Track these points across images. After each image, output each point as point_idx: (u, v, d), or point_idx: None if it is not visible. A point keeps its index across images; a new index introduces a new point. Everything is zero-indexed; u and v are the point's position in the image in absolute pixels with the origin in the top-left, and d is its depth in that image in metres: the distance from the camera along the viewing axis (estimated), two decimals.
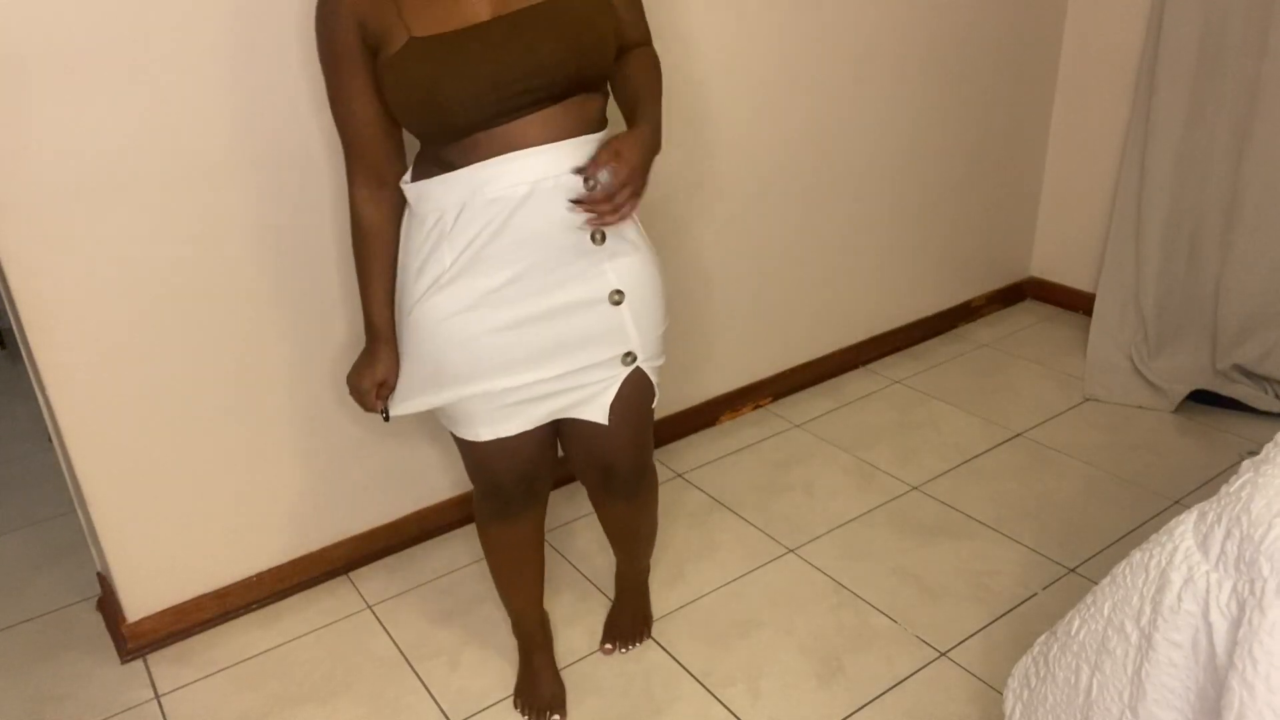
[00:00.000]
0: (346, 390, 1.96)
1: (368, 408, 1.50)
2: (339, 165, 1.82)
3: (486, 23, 1.26)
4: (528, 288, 1.38)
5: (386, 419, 1.52)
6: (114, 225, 1.65)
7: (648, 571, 1.93)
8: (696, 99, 2.24)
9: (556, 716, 1.71)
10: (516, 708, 1.74)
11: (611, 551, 1.93)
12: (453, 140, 1.32)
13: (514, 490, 1.56)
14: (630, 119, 1.40)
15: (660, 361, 1.54)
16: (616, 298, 1.42)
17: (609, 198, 1.31)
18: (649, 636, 1.91)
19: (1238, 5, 2.41)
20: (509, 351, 1.40)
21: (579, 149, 1.34)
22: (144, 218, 1.67)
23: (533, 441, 1.52)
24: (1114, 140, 2.91)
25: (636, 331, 1.46)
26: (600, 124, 1.40)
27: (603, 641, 1.89)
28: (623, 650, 1.87)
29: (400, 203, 1.43)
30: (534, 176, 1.32)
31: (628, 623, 1.89)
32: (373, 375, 1.47)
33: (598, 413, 1.49)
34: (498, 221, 1.34)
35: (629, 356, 1.47)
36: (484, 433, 1.48)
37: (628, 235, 1.44)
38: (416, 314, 1.40)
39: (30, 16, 1.48)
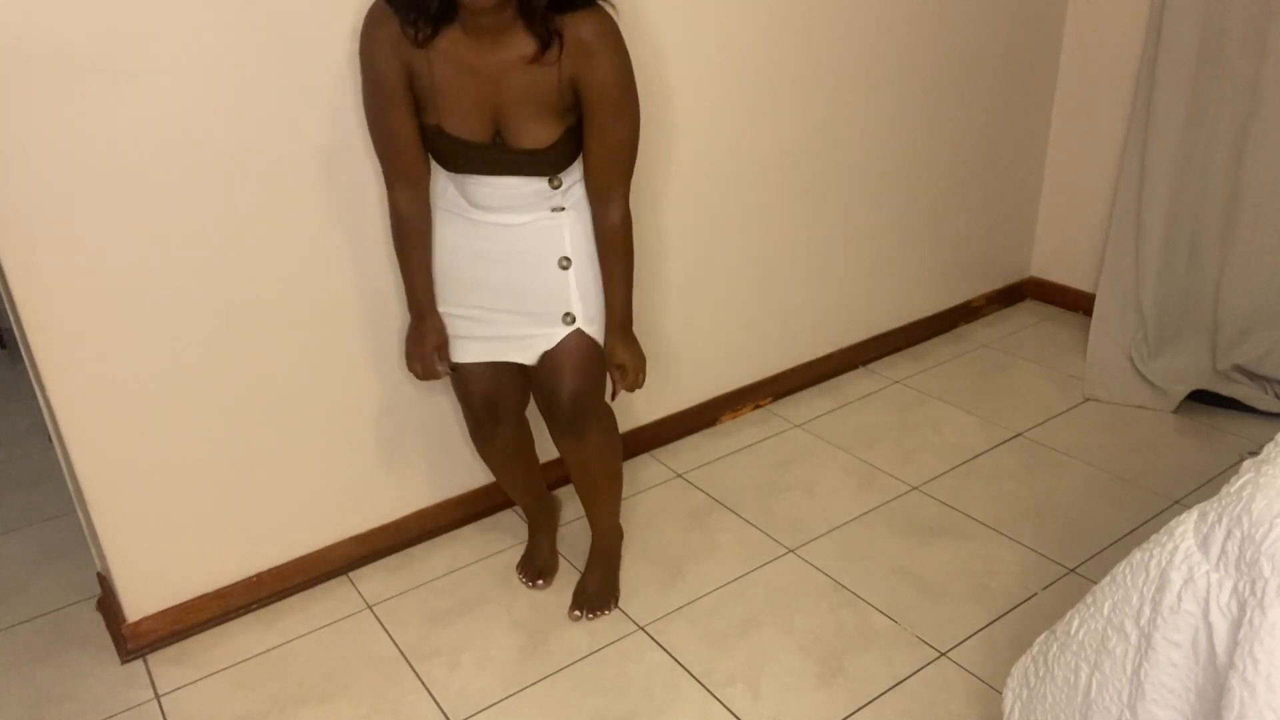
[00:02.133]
0: (352, 388, 1.98)
1: (429, 375, 1.74)
2: (339, 165, 1.82)
3: (489, 145, 1.57)
4: (492, 246, 1.65)
5: (454, 369, 1.77)
6: (114, 225, 1.65)
7: (619, 536, 2.05)
8: (698, 99, 2.24)
9: (542, 582, 2.01)
10: (518, 572, 2.04)
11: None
12: None
13: (481, 413, 1.80)
14: (608, 297, 1.69)
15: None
16: (565, 263, 1.62)
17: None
18: (616, 606, 1.96)
19: (1238, 5, 2.41)
20: (463, 282, 1.68)
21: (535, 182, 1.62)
22: (143, 218, 1.67)
23: (491, 377, 1.76)
24: (1114, 140, 2.91)
25: (579, 295, 1.66)
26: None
27: (571, 608, 1.95)
28: (589, 618, 1.93)
29: (428, 196, 1.69)
30: (507, 192, 1.62)
31: (595, 590, 1.96)
32: (431, 343, 1.73)
33: (530, 359, 1.71)
34: (477, 205, 1.64)
35: (569, 317, 1.67)
36: (455, 356, 1.76)
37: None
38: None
39: (32, 16, 1.48)
